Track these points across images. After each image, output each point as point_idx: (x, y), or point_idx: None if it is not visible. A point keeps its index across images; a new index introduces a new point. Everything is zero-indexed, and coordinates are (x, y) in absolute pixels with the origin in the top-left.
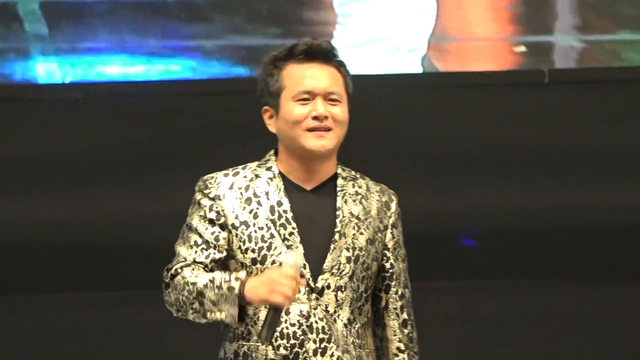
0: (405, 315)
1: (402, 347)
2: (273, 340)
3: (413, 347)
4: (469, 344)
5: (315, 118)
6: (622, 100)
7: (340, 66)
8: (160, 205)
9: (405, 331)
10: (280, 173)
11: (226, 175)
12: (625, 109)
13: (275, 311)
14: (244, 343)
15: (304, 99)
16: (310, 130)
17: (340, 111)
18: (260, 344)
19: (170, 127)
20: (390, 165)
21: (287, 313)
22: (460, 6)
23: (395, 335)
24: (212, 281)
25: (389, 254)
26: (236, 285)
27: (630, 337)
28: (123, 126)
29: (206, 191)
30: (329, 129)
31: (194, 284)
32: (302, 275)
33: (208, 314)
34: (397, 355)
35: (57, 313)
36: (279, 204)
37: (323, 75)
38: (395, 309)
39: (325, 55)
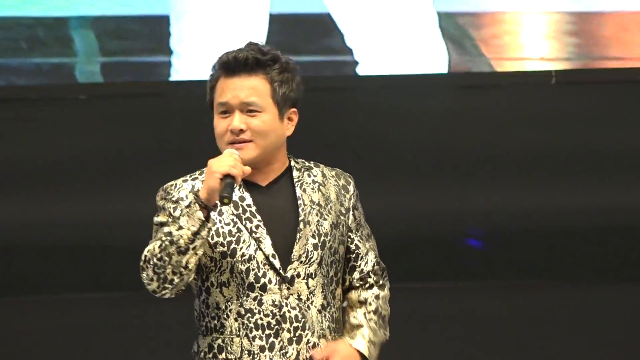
0: (372, 281)
1: (362, 300)
2: (248, 332)
3: (378, 302)
4: (471, 344)
5: (232, 132)
6: (629, 102)
7: (268, 75)
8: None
9: (370, 291)
10: None
11: (185, 180)
12: (633, 111)
13: (230, 178)
14: (218, 336)
15: (224, 112)
16: (230, 143)
17: (260, 122)
18: (235, 336)
19: (167, 128)
20: (393, 166)
21: (260, 304)
22: None
23: (357, 294)
24: (171, 221)
25: (352, 235)
26: (191, 198)
27: (634, 338)
28: (121, 127)
29: (169, 197)
30: (248, 141)
31: (159, 239)
32: (273, 266)
33: (181, 242)
34: (358, 308)
35: (52, 314)
36: (242, 199)
37: (241, 87)
38: (360, 284)
39: (247, 66)
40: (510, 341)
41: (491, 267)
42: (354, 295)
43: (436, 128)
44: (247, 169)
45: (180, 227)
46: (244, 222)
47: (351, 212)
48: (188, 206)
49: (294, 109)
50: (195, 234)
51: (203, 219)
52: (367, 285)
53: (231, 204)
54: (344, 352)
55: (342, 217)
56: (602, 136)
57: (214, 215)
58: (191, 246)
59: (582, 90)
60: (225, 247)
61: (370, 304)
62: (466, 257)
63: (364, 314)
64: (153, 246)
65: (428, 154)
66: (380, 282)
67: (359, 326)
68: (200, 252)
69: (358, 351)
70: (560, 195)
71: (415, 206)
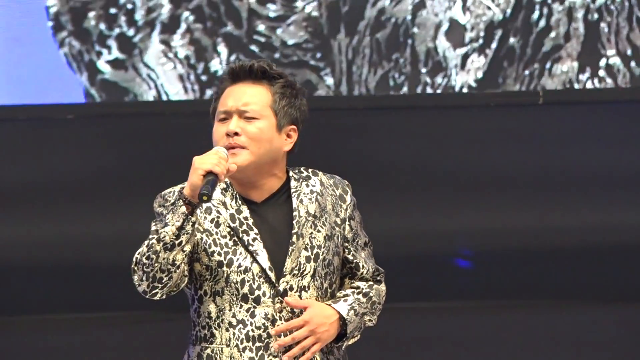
0: (368, 278)
1: (355, 285)
2: (239, 342)
3: (370, 287)
4: None
5: (228, 135)
6: (616, 121)
7: (272, 85)
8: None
9: (365, 282)
10: (231, 184)
11: (183, 188)
12: (620, 130)
13: (212, 175)
14: (207, 345)
15: (223, 119)
16: (226, 148)
17: (256, 128)
18: (224, 346)
19: (159, 146)
20: (381, 186)
21: (253, 316)
22: None
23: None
24: (159, 220)
25: (349, 246)
26: (176, 198)
27: (625, 358)
28: (115, 145)
29: (167, 204)
30: (241, 147)
31: (148, 239)
32: (269, 279)
33: (167, 238)
34: (355, 288)
35: (43, 334)
36: (239, 211)
37: (243, 93)
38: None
39: (252, 74)
40: None
41: (480, 287)
42: (347, 283)
43: (424, 148)
44: (233, 167)
45: (166, 224)
46: (240, 235)
47: (347, 223)
48: (173, 204)
49: (294, 127)
50: (180, 228)
51: (186, 213)
52: (363, 280)
53: (228, 217)
54: (322, 307)
55: (337, 229)
56: (590, 156)
57: (210, 226)
58: (177, 242)
59: (569, 110)
60: (222, 257)
61: (361, 288)
62: (455, 277)
63: (352, 291)
64: (142, 247)
65: (416, 174)
66: (378, 279)
67: (344, 296)
68: (187, 249)
69: (338, 313)
70: (551, 215)
71: (403, 226)
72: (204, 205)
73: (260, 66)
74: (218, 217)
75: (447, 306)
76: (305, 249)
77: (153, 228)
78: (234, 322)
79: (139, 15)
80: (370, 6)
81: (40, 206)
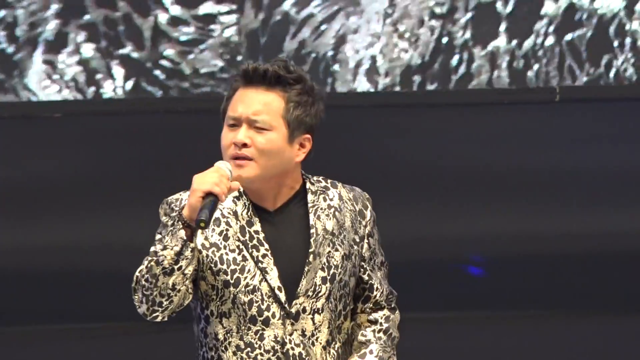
0: (382, 305)
1: (373, 320)
2: None
3: (388, 323)
4: None
5: (235, 145)
6: (633, 120)
7: (286, 93)
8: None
9: (380, 312)
10: (244, 192)
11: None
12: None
13: (212, 196)
14: None
15: (232, 125)
16: (233, 158)
17: (265, 140)
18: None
19: (154, 147)
20: (391, 189)
21: (262, 339)
22: None
23: (367, 315)
24: (158, 239)
25: (365, 265)
26: (175, 219)
27: None
28: (109, 146)
29: (172, 214)
30: (249, 159)
31: (147, 259)
32: (278, 300)
33: (166, 263)
34: (366, 328)
35: (36, 344)
36: (249, 224)
37: (254, 101)
38: (371, 310)
39: (265, 79)
40: None
41: (492, 296)
42: (363, 315)
43: (435, 150)
44: (235, 185)
45: (165, 247)
46: (250, 250)
47: (366, 241)
48: (173, 224)
49: (308, 136)
50: (179, 254)
51: (185, 238)
52: (377, 308)
53: (238, 230)
54: None
55: (355, 247)
56: (609, 157)
57: (219, 239)
58: (176, 267)
59: (587, 108)
60: (229, 276)
61: (380, 324)
62: (465, 286)
63: (373, 331)
64: (142, 266)
65: (425, 176)
66: (392, 305)
67: (368, 343)
68: (188, 272)
69: None
70: (569, 219)
71: (411, 231)
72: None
73: (274, 72)
74: (227, 229)
75: (457, 316)
76: (322, 269)
77: (152, 249)
78: (242, 345)
79: (20, 31)
80: (289, 38)
81: (27, 209)
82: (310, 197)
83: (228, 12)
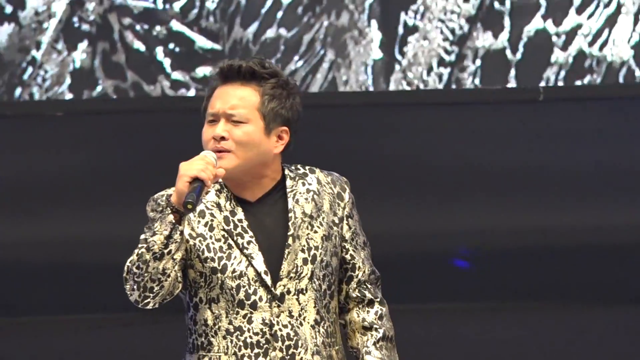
0: (370, 296)
1: (367, 325)
2: (237, 350)
3: (383, 324)
4: None
5: (214, 139)
6: (617, 117)
7: (261, 87)
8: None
9: (371, 310)
10: (226, 184)
11: (170, 196)
12: (622, 127)
13: (199, 181)
14: (205, 354)
15: (212, 121)
16: (213, 151)
17: (242, 132)
18: (222, 354)
19: (153, 144)
20: (378, 185)
21: (250, 322)
22: None
23: (359, 315)
24: (148, 227)
25: (347, 245)
26: (164, 206)
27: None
28: (106, 143)
29: (159, 209)
30: (227, 151)
31: (137, 247)
32: (264, 284)
33: (156, 247)
34: (364, 335)
35: (37, 335)
36: (233, 213)
37: (230, 96)
38: (357, 296)
39: (240, 74)
40: None
41: (478, 288)
42: (355, 317)
43: (421, 146)
44: (221, 172)
45: (154, 233)
46: (235, 238)
47: (345, 222)
48: (161, 211)
49: (285, 128)
50: (168, 237)
51: (174, 222)
52: (366, 301)
53: (222, 220)
54: None
55: (335, 228)
56: (590, 154)
57: (204, 230)
58: (165, 251)
59: (570, 106)
60: (216, 263)
61: (376, 329)
62: (454, 278)
63: (374, 343)
64: (133, 256)
65: (412, 172)
66: (379, 296)
67: (367, 354)
68: (177, 257)
69: None
70: (552, 214)
71: (398, 225)
72: (198, 208)
73: (249, 67)
74: (212, 220)
75: (444, 308)
76: (302, 250)
77: (142, 237)
78: (231, 329)
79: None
80: None
81: (29, 205)
82: (288, 182)
83: None
